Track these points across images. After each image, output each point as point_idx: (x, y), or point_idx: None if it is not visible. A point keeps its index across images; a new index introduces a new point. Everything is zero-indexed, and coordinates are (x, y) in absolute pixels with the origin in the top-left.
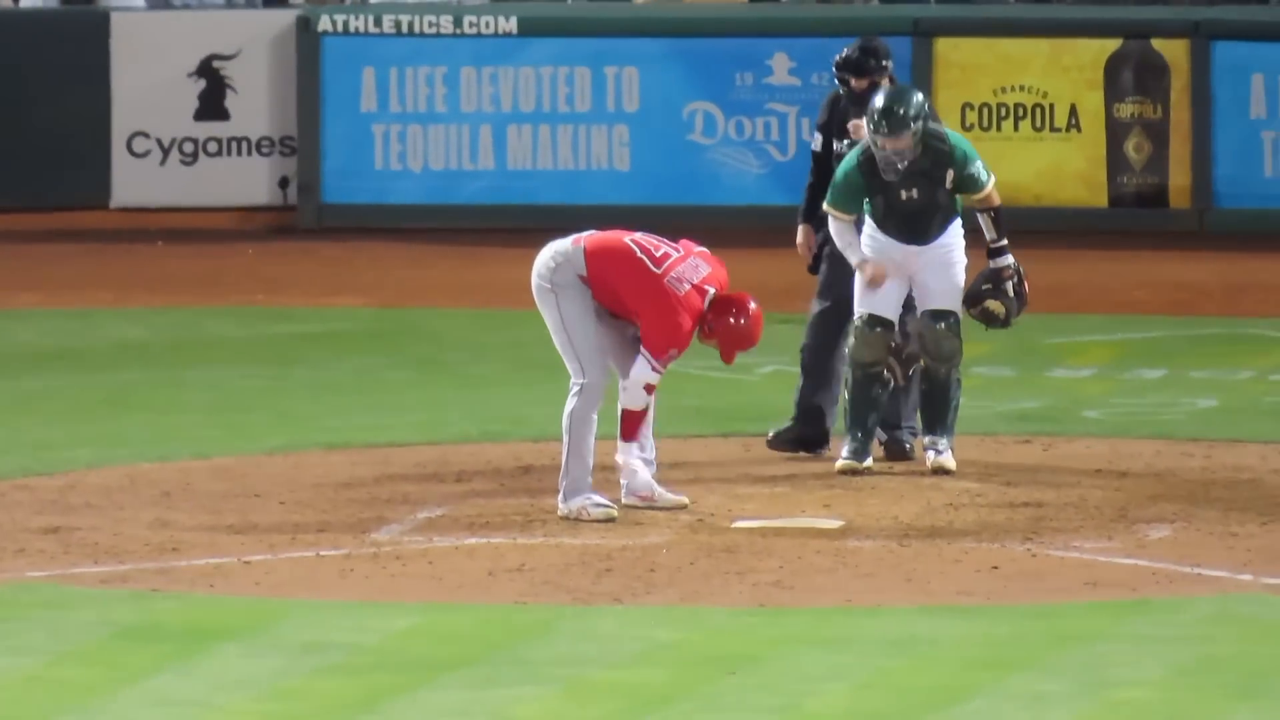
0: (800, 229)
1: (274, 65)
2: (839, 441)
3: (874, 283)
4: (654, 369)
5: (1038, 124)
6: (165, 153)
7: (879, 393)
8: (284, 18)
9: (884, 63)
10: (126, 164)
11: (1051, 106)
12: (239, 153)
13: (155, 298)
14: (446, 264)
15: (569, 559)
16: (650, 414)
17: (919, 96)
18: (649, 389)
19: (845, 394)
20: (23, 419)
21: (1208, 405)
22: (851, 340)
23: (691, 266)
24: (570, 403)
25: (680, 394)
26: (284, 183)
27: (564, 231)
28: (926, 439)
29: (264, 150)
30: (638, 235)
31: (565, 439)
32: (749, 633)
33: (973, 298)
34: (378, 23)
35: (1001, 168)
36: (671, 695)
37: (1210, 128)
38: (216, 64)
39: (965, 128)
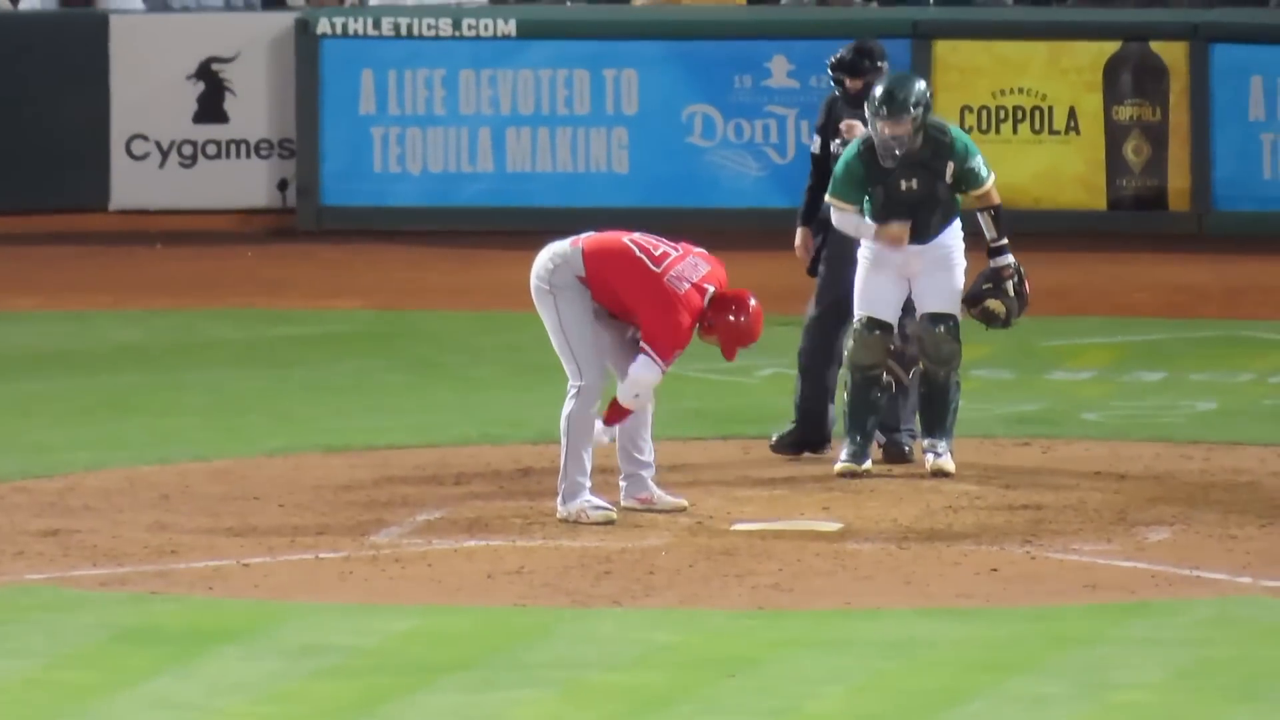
0: (799, 231)
1: (273, 68)
2: (839, 443)
3: (897, 241)
4: (660, 369)
5: (1036, 126)
6: (164, 155)
7: (878, 395)
8: (283, 20)
9: (879, 63)
10: (125, 167)
11: (1050, 109)
12: (238, 155)
13: (154, 300)
14: (445, 266)
15: (568, 561)
16: (649, 417)
17: (921, 84)
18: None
19: (844, 396)
20: (22, 421)
21: (1207, 408)
22: (850, 343)
23: (690, 265)
24: (568, 405)
25: (679, 396)
26: (283, 185)
27: (563, 234)
28: (925, 442)
29: (263, 153)
30: (636, 235)
31: (563, 441)
32: (748, 635)
33: (973, 298)
34: (376, 25)
35: (1000, 170)
36: (670, 698)
37: (1209, 130)
38: (215, 67)
39: (964, 130)
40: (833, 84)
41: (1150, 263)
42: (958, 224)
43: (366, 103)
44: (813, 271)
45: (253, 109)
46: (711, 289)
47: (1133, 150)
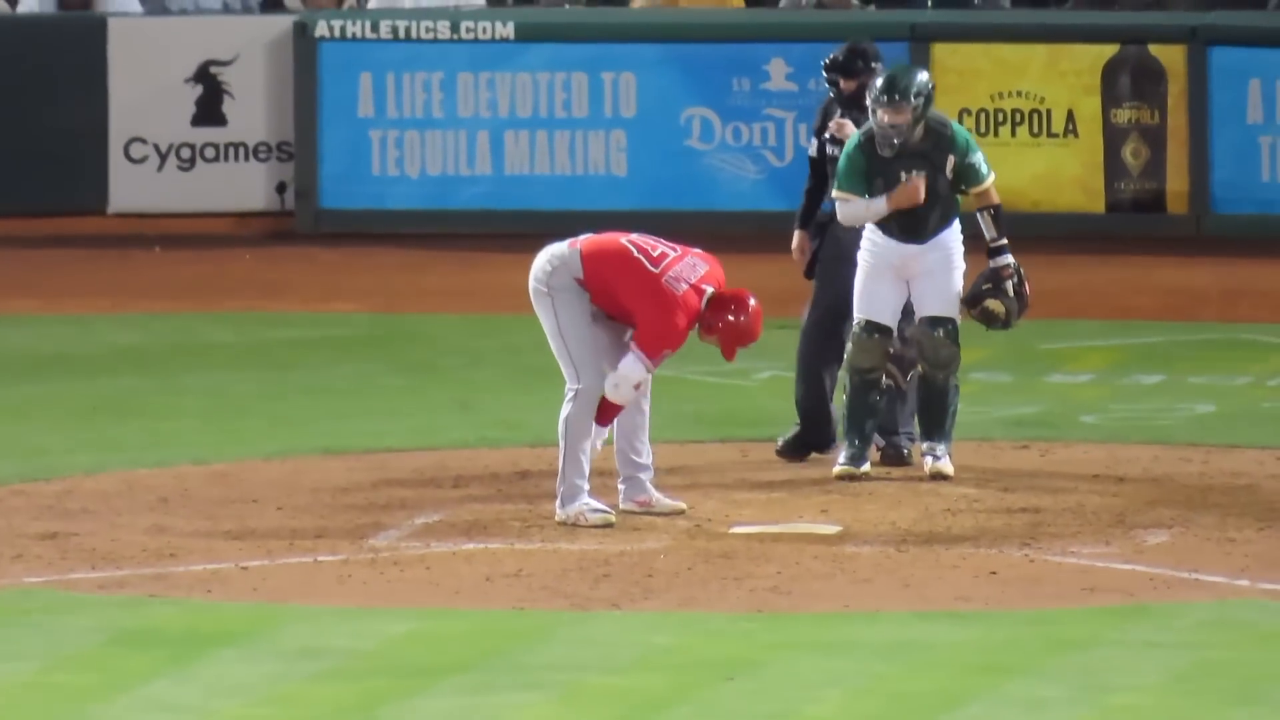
0: (796, 234)
1: (271, 71)
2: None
3: (914, 196)
4: (647, 368)
5: (1035, 129)
6: (162, 158)
7: (877, 399)
8: (281, 23)
9: (872, 64)
10: (124, 169)
11: (1049, 112)
12: (236, 158)
13: (153, 303)
14: (444, 269)
15: (566, 564)
16: (646, 420)
17: (924, 76)
18: (637, 386)
19: (843, 399)
20: (20, 424)
21: (1205, 411)
22: (850, 346)
23: (689, 266)
24: (566, 408)
25: (678, 399)
26: (281, 188)
27: (562, 237)
28: (924, 445)
29: (261, 156)
30: (635, 236)
31: (561, 444)
32: (746, 638)
33: (973, 298)
34: (375, 28)
35: (999, 173)
36: (669, 700)
37: (1207, 133)
38: (214, 69)
39: None
40: (827, 85)
41: (1149, 265)
42: (957, 226)
43: (365, 105)
44: (809, 274)
45: (251, 112)
46: (710, 289)
47: (1131, 153)
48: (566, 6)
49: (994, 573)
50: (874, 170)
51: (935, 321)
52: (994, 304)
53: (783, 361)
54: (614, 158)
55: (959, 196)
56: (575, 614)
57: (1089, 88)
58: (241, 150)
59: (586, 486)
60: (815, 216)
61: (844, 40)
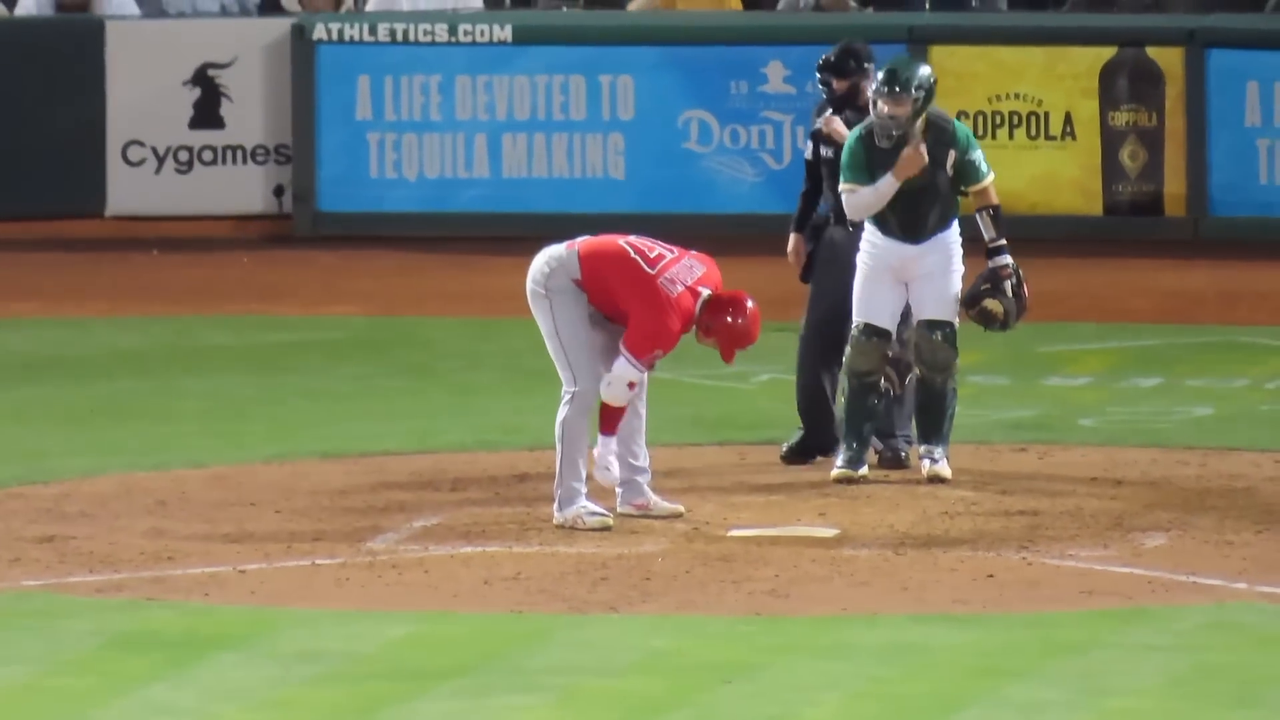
0: (791, 238)
1: (269, 73)
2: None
3: (916, 162)
4: (636, 367)
5: (1033, 132)
6: (160, 161)
7: (875, 402)
8: (279, 26)
9: (865, 65)
10: (121, 172)
11: (1046, 115)
12: (234, 161)
13: (150, 306)
14: (441, 272)
15: (564, 567)
16: (643, 422)
17: (926, 70)
18: (631, 386)
19: (842, 402)
20: (17, 427)
21: (1203, 413)
22: (848, 349)
23: (686, 268)
24: (562, 411)
25: (675, 403)
26: (279, 191)
27: (559, 239)
28: (922, 448)
29: (259, 158)
30: (632, 238)
31: (559, 447)
32: (744, 641)
33: (971, 298)
34: (373, 31)
35: (997, 176)
36: (667, 703)
37: (1205, 135)
38: (211, 72)
39: None
40: (820, 85)
41: (1146, 268)
42: (956, 228)
43: (363, 108)
44: (805, 278)
45: (249, 115)
46: (707, 291)
47: (1129, 156)
48: (564, 9)
49: (992, 576)
50: (875, 163)
51: (933, 324)
52: (992, 304)
53: (781, 364)
54: (612, 160)
55: (959, 198)
56: (573, 617)
57: (1087, 90)
58: (239, 153)
59: (584, 490)
60: (811, 220)
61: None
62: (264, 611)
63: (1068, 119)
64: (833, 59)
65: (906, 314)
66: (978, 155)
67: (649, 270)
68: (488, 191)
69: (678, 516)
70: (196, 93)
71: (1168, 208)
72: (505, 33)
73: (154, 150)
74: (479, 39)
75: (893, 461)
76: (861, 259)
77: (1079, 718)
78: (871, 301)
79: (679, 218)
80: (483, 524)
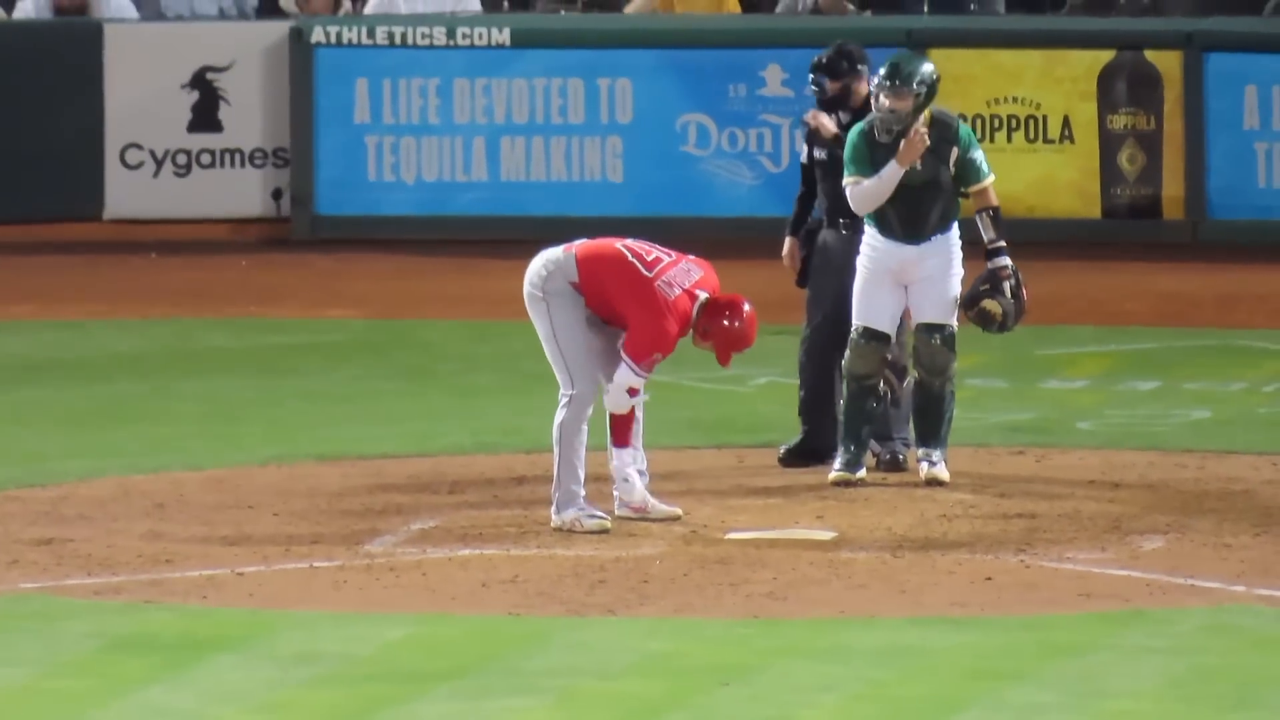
0: (787, 241)
1: (267, 77)
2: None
3: (919, 145)
4: (636, 373)
5: (1031, 135)
6: (158, 164)
7: (873, 405)
8: (277, 29)
9: (858, 66)
10: (120, 176)
11: (1045, 118)
12: (232, 164)
13: (149, 309)
14: (439, 275)
15: (562, 570)
16: (639, 426)
17: (929, 66)
18: (632, 392)
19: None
20: (16, 430)
21: (1201, 417)
22: (847, 353)
23: (683, 271)
24: (560, 414)
25: (673, 405)
26: (277, 194)
27: (557, 243)
28: (920, 451)
29: (257, 162)
30: (630, 241)
31: (556, 450)
32: (742, 644)
33: (970, 299)
34: (371, 34)
35: (994, 179)
36: (665, 706)
37: (1203, 139)
38: (210, 76)
39: None
40: (812, 86)
41: (1144, 271)
42: (956, 232)
43: (361, 112)
44: (802, 282)
45: (247, 118)
46: (704, 295)
47: (1127, 159)
48: (562, 13)
49: (990, 578)
50: (877, 157)
51: (932, 328)
52: (991, 304)
53: (779, 367)
54: (610, 164)
55: (960, 199)
56: (571, 619)
57: (1085, 93)
58: (237, 156)
59: (582, 492)
60: (806, 223)
61: None
62: (262, 614)
63: (1066, 122)
64: (826, 60)
65: (904, 317)
66: (979, 155)
67: (646, 273)
68: (486, 195)
69: (675, 519)
70: (195, 96)
71: (1166, 211)
72: (503, 36)
73: (152, 153)
74: (477, 42)
75: (891, 464)
76: (861, 262)
77: None
78: (871, 305)
79: (677, 221)
80: (480, 526)
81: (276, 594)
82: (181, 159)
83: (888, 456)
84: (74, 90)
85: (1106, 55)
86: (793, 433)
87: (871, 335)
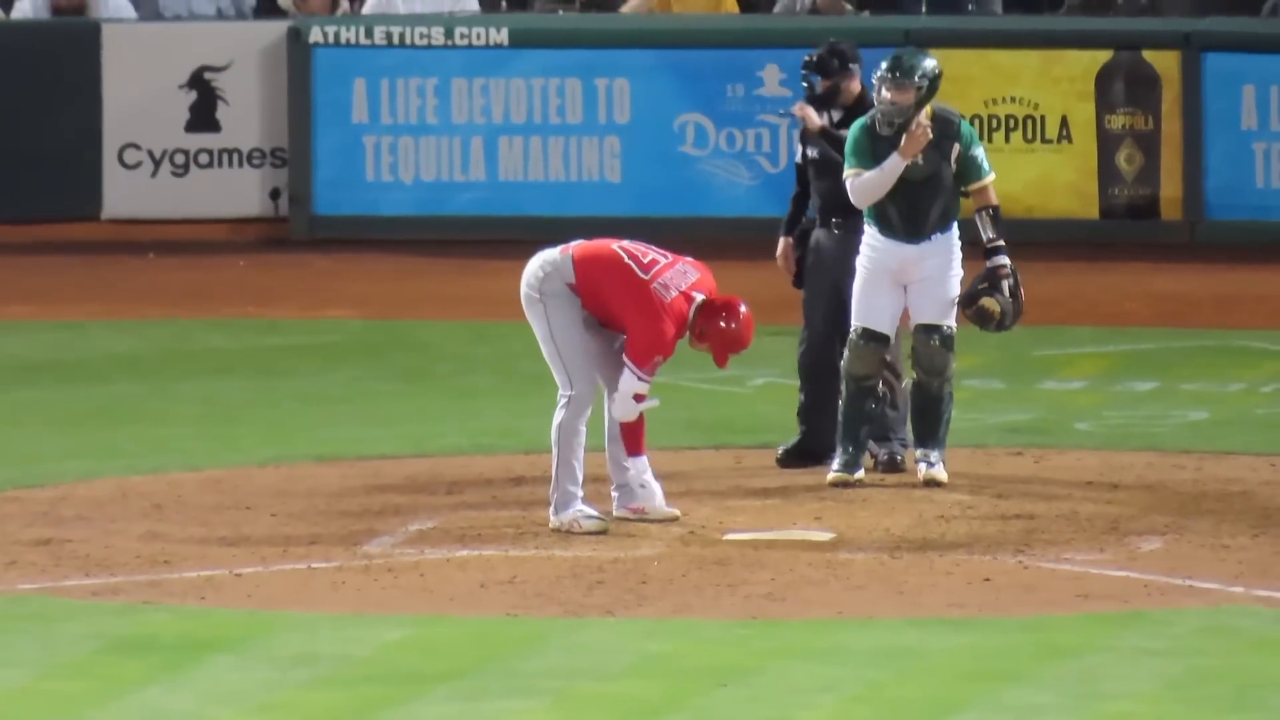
0: (781, 242)
1: (265, 77)
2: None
3: (921, 139)
4: (640, 378)
5: (1029, 135)
6: (156, 164)
7: (872, 406)
8: (275, 29)
9: (849, 65)
10: (117, 176)
11: (1042, 118)
12: (230, 164)
13: (146, 309)
14: (437, 276)
15: (560, 571)
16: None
17: (932, 62)
18: (638, 398)
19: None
20: (13, 431)
21: (1199, 417)
22: (846, 353)
23: (679, 273)
24: (558, 415)
25: (671, 406)
26: (275, 194)
27: (555, 243)
28: (918, 451)
29: (255, 162)
30: (626, 243)
31: (554, 451)
32: (740, 645)
33: (968, 297)
34: (369, 34)
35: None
36: (663, 707)
37: (1201, 139)
38: (208, 75)
39: None
40: (802, 83)
41: (1142, 272)
42: (956, 232)
43: (359, 111)
44: (797, 283)
45: (245, 118)
46: (700, 296)
47: (1125, 159)
48: (560, 12)
49: (988, 579)
50: (878, 151)
51: (930, 329)
52: (989, 302)
53: (777, 368)
54: (608, 164)
55: (960, 197)
56: (569, 621)
57: (1083, 94)
58: (235, 156)
59: (580, 493)
60: (801, 224)
61: None
62: (260, 615)
63: (1064, 122)
64: (817, 58)
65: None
66: (980, 153)
67: (642, 276)
68: (484, 195)
69: (673, 520)
70: (192, 96)
71: (1164, 211)
72: (501, 36)
73: (150, 153)
74: (475, 42)
75: (889, 465)
76: (861, 262)
77: None
78: (871, 306)
79: (675, 221)
80: (478, 527)
81: (274, 595)
82: (179, 159)
83: (886, 457)
84: (72, 90)
85: (1104, 55)
86: (791, 433)
87: (871, 336)
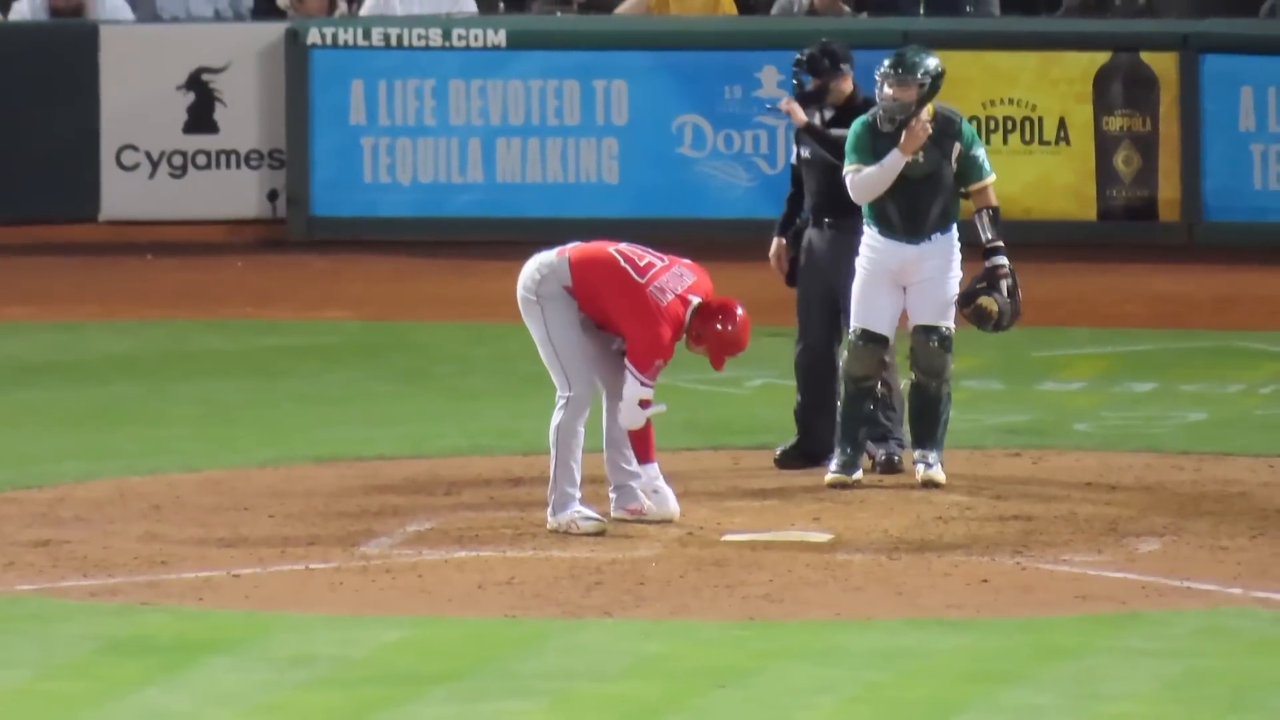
0: (774, 242)
1: (263, 78)
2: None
3: (921, 135)
4: (643, 383)
5: (1027, 137)
6: (154, 166)
7: (870, 407)
8: (273, 30)
9: (840, 65)
10: (115, 177)
11: (1040, 119)
12: (228, 165)
13: (144, 311)
14: (435, 277)
15: (558, 572)
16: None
17: (935, 60)
18: (644, 404)
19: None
20: (11, 432)
21: (1197, 418)
22: (845, 354)
23: (675, 276)
24: (556, 416)
25: (670, 407)
26: (273, 195)
27: (553, 245)
28: (916, 452)
29: (253, 163)
30: (623, 245)
31: (552, 452)
32: (738, 646)
33: (966, 296)
34: (366, 35)
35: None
36: (661, 708)
37: (1199, 140)
38: (205, 77)
39: None
40: (792, 81)
41: (1140, 273)
42: (955, 233)
43: (356, 113)
44: (791, 282)
45: (243, 119)
46: (697, 299)
47: (1123, 161)
48: (558, 14)
49: (986, 580)
50: (879, 147)
51: (929, 330)
52: (987, 301)
53: (774, 369)
54: (606, 165)
55: (960, 198)
56: (567, 622)
57: (1081, 95)
58: (233, 157)
59: (578, 494)
60: (795, 224)
61: None
62: (257, 616)
63: (1062, 124)
64: (808, 57)
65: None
66: (981, 153)
67: (639, 279)
68: (481, 196)
69: (671, 521)
70: (190, 97)
71: (1162, 213)
72: (499, 37)
73: (148, 155)
74: (473, 44)
75: (887, 466)
76: (860, 263)
77: None
78: (870, 307)
79: (673, 222)
80: (477, 528)
81: (272, 596)
82: (177, 160)
83: (884, 458)
84: (70, 91)
85: (1102, 57)
86: (789, 434)
87: (870, 337)
